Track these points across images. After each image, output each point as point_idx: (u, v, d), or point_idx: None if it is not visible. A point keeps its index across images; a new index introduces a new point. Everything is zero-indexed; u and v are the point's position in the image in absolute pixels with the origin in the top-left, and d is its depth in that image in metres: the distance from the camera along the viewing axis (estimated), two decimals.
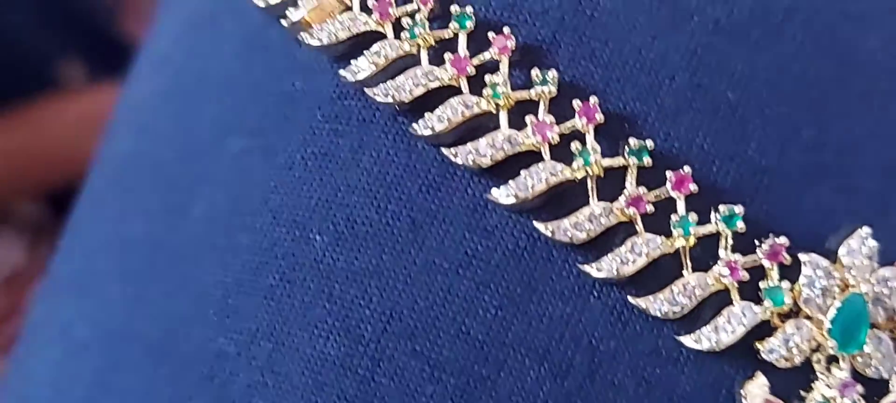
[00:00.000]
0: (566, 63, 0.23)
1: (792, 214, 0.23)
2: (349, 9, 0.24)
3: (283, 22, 0.25)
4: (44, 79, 0.89)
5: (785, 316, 0.22)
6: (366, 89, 0.23)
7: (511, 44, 0.23)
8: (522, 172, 0.22)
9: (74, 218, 0.31)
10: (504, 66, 0.23)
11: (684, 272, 0.22)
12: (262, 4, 0.25)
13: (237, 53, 0.26)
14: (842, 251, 0.22)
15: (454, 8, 0.23)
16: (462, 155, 0.23)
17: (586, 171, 0.22)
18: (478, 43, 0.23)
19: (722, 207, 0.22)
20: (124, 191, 0.28)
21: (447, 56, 0.23)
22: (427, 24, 0.23)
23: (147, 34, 0.33)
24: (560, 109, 0.23)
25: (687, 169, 0.22)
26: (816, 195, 0.23)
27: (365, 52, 0.24)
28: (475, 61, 0.23)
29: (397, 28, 0.24)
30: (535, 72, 0.23)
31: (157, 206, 0.27)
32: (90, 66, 0.93)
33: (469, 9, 0.23)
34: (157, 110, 0.28)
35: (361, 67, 0.24)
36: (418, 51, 0.24)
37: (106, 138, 0.32)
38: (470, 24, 0.23)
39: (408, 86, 0.23)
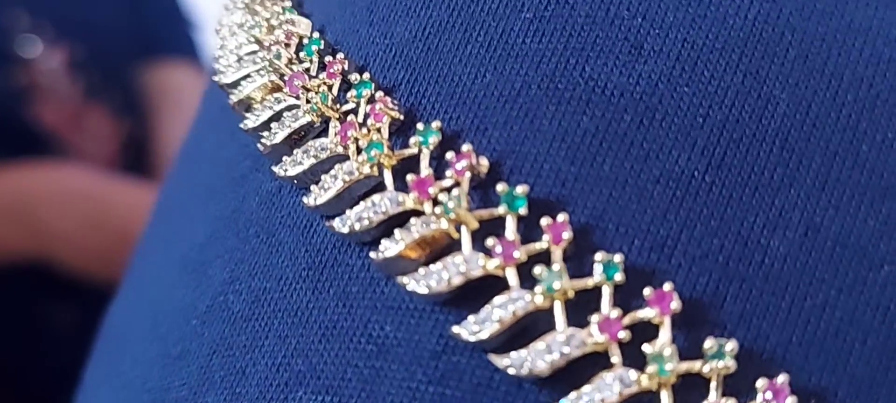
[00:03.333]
0: (735, 322, 0.19)
1: None
2: (458, 246, 0.20)
3: (373, 255, 0.20)
4: None
5: None
6: (492, 357, 0.19)
7: (675, 305, 0.19)
8: None
9: None
10: (666, 332, 0.19)
11: None
12: (344, 230, 0.21)
13: (302, 279, 0.22)
14: None
15: (600, 255, 0.19)
16: None
17: None
18: (626, 295, 0.19)
19: None
20: None
21: (594, 317, 0.19)
22: (566, 272, 0.19)
23: (157, 218, 0.28)
24: (733, 379, 0.19)
25: None
26: None
27: (487, 305, 0.19)
28: (627, 321, 0.19)
29: (525, 275, 0.19)
30: (710, 343, 0.18)
31: None
32: None
33: (617, 257, 0.19)
34: (195, 336, 0.23)
35: (483, 325, 0.19)
36: (552, 305, 0.19)
37: (109, 353, 0.26)
38: (619, 277, 0.19)
39: (549, 358, 0.19)
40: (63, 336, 0.91)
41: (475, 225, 0.20)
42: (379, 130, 0.21)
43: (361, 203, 0.21)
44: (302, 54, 0.24)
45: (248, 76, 0.24)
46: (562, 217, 0.19)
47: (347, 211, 0.21)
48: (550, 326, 0.19)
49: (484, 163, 0.20)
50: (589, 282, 0.19)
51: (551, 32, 0.21)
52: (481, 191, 0.20)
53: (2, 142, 0.92)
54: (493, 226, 0.20)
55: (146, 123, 1.02)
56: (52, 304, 0.90)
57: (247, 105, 0.24)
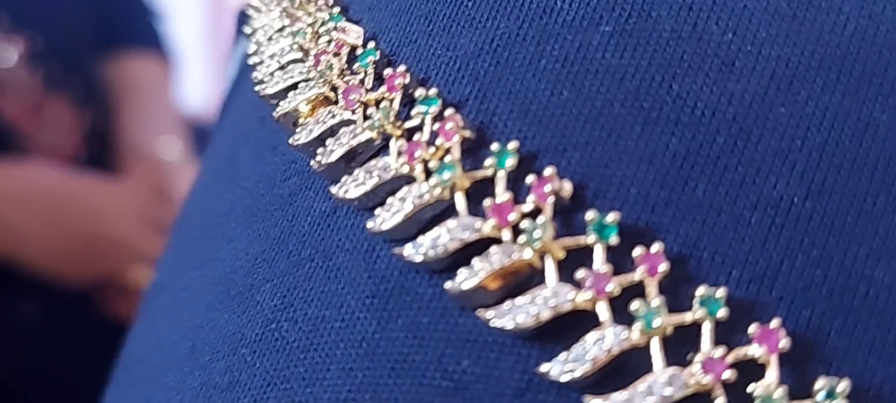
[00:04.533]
0: (841, 357, 0.18)
1: None
2: (541, 278, 0.19)
3: (449, 286, 0.19)
4: None
5: None
6: (589, 399, 0.18)
7: (784, 343, 0.17)
8: None
9: None
10: (773, 371, 0.18)
11: None
12: (418, 259, 0.19)
13: (366, 307, 0.20)
14: None
15: (702, 289, 0.18)
16: None
17: None
18: (726, 329, 0.18)
19: None
20: None
21: (697, 356, 0.18)
22: (664, 307, 0.18)
23: (182, 235, 0.26)
24: None
25: None
26: None
27: (580, 342, 0.18)
28: (731, 359, 0.18)
29: (617, 308, 0.18)
30: (821, 383, 0.17)
31: None
32: None
33: (720, 292, 0.18)
34: (245, 366, 0.21)
35: (577, 364, 0.18)
36: (648, 342, 0.18)
37: (136, 380, 0.25)
38: (722, 313, 0.18)
39: (651, 401, 0.17)
40: (29, 329, 0.89)
41: (561, 255, 0.19)
42: (449, 150, 0.20)
43: (435, 228, 0.19)
44: (355, 66, 0.22)
45: (294, 87, 0.23)
46: (656, 247, 0.18)
47: (420, 238, 0.20)
48: (643, 363, 0.18)
49: (567, 187, 0.19)
50: (688, 317, 0.18)
51: (634, 47, 0.20)
52: (562, 216, 0.19)
53: None
54: (578, 256, 0.19)
55: (109, 114, 1.00)
56: (17, 298, 0.89)
57: (294, 118, 0.23)
